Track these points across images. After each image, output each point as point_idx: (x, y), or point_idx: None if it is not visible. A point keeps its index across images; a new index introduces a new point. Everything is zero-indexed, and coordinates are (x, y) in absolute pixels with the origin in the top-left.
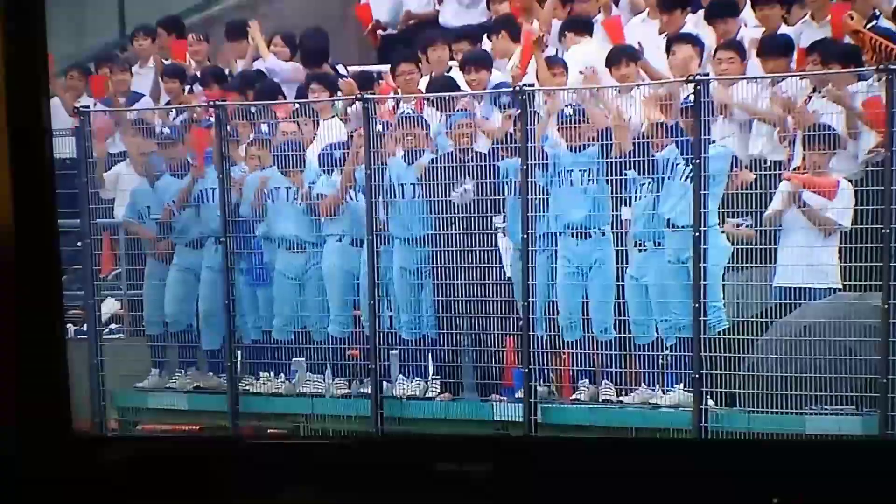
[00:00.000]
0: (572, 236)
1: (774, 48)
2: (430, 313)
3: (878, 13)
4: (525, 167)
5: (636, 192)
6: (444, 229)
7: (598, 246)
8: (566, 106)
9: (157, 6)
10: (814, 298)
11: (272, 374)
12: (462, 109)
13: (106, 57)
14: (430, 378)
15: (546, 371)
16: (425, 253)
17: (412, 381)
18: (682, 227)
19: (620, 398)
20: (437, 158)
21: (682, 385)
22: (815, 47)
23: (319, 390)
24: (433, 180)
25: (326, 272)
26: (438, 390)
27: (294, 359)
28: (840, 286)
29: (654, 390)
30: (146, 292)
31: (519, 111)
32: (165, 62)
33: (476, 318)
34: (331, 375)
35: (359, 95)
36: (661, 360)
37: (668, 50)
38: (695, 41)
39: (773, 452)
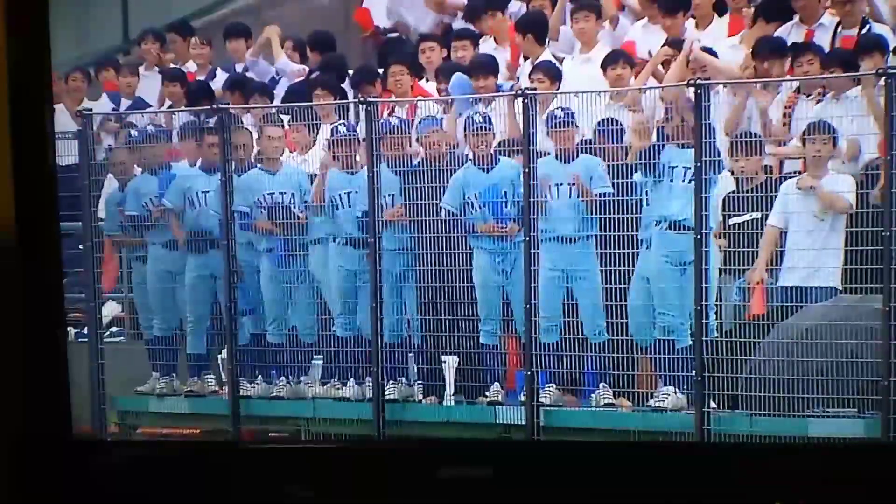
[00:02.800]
0: (560, 241)
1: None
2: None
3: (868, 20)
4: (527, 170)
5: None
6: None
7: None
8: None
9: (161, 10)
10: (816, 299)
11: (274, 376)
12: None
13: (108, 61)
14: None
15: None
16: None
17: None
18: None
19: (653, 403)
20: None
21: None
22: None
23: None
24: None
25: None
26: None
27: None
28: (840, 287)
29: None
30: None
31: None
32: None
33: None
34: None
35: (361, 98)
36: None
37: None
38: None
39: (776, 456)
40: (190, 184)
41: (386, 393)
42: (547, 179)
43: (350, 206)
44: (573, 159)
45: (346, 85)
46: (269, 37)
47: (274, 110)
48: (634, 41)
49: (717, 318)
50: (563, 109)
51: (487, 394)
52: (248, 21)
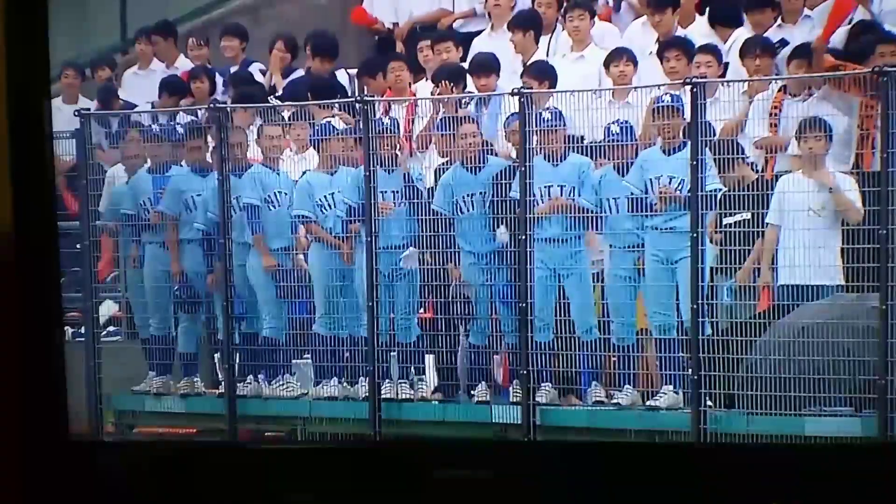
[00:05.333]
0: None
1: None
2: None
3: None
4: (524, 169)
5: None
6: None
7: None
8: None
9: (160, 10)
10: (818, 297)
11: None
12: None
13: (104, 60)
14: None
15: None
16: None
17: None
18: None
19: (649, 402)
20: None
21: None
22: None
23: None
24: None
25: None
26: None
27: (296, 360)
28: (842, 283)
29: (676, 392)
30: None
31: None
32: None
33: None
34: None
35: (357, 97)
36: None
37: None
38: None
39: (773, 455)
40: (185, 188)
41: (383, 392)
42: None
43: (334, 208)
44: (562, 160)
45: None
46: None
47: (273, 109)
48: None
49: (710, 318)
50: (550, 110)
51: (473, 393)
52: (246, 20)
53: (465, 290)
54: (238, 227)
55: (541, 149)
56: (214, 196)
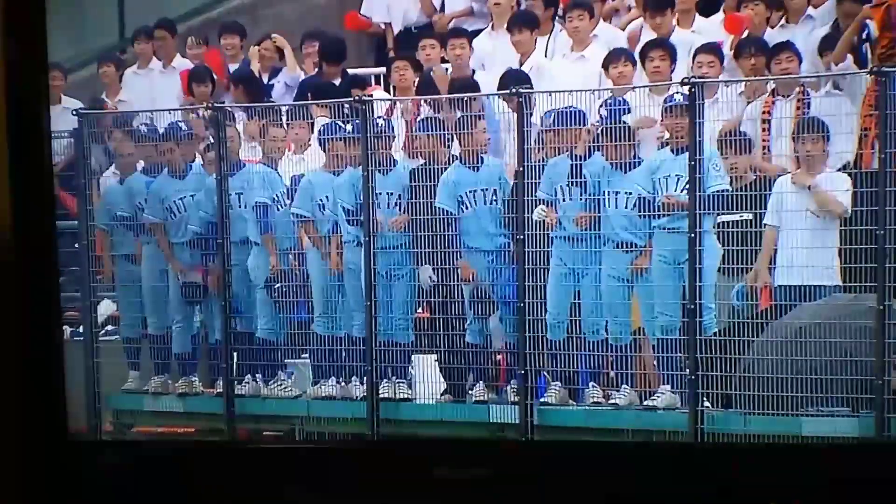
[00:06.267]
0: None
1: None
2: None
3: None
4: (522, 169)
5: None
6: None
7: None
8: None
9: (158, 9)
10: (817, 298)
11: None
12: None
13: (107, 58)
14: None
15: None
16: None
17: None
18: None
19: (647, 402)
20: None
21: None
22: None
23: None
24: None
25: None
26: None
27: (291, 360)
28: (840, 284)
29: (674, 392)
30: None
31: None
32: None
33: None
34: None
35: (356, 97)
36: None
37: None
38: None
39: (770, 455)
40: (166, 193)
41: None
42: (559, 179)
43: (330, 209)
44: (587, 158)
45: None
46: (282, 47)
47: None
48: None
49: (716, 317)
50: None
51: (471, 392)
52: (244, 19)
53: (465, 289)
54: (238, 227)
55: (564, 148)
56: (208, 196)
